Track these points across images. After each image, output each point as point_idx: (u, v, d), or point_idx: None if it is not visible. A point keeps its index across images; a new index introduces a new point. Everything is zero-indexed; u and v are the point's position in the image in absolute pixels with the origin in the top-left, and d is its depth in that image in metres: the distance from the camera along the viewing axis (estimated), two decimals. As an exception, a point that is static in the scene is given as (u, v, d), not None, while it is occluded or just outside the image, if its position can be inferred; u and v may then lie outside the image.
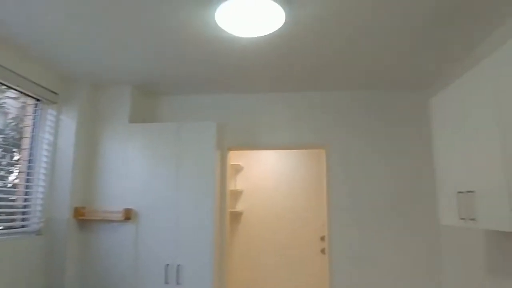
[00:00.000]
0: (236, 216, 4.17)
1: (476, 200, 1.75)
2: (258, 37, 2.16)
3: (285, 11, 1.87)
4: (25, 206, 2.53)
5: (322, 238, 3.99)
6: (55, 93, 2.74)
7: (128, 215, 2.73)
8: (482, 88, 1.71)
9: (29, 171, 2.58)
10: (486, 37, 2.18)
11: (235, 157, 4.23)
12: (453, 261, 2.67)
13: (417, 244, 2.88)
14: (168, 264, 2.63)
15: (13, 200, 2.47)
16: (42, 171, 2.65)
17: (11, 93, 2.45)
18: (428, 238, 2.88)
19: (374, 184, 3.02)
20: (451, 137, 2.03)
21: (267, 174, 4.27)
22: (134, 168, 2.82)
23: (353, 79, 2.89)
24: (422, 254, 2.86)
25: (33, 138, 2.64)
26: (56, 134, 2.76)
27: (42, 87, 2.60)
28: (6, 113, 2.48)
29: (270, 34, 2.12)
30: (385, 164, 3.03)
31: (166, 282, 2.61)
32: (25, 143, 2.60)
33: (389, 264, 2.86)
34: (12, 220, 2.42)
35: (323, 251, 3.97)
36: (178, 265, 2.61)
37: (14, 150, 2.52)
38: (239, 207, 4.20)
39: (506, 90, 1.52)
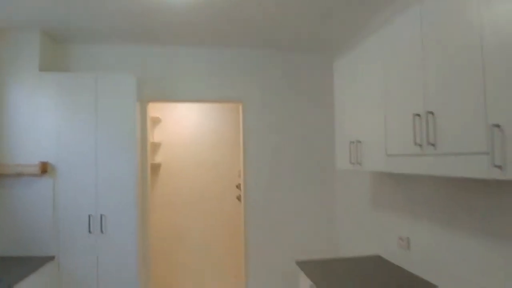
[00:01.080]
0: (155, 168, 4.28)
1: (362, 148, 2.19)
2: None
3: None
4: None
5: (238, 186, 4.35)
6: None
7: (45, 168, 2.68)
8: (373, 58, 2.07)
9: None
10: (388, 5, 2.47)
11: (153, 110, 4.24)
12: (346, 197, 3.23)
13: (320, 186, 3.39)
14: (90, 215, 2.70)
15: None
16: None
17: None
18: (328, 181, 3.41)
19: (284, 136, 3.40)
20: (348, 97, 2.43)
21: (185, 126, 4.40)
22: (48, 120, 2.72)
23: (268, 40, 3.12)
24: (324, 194, 3.38)
25: None
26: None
27: None
28: None
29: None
30: (294, 119, 3.42)
31: (90, 231, 2.70)
32: None
33: (295, 205, 3.33)
34: None
35: (238, 198, 4.35)
36: (102, 215, 2.71)
37: None
38: (158, 159, 4.30)
39: (390, 63, 1.90)
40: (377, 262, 2.50)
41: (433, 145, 1.50)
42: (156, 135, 4.33)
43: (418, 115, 1.59)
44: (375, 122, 2.03)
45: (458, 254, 1.80)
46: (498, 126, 1.17)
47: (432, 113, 1.50)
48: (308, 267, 2.38)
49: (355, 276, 2.20)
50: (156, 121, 4.34)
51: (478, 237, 1.67)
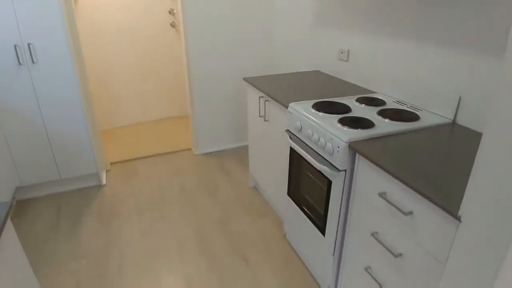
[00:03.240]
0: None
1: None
2: None
3: None
4: None
5: (170, 12, 4.04)
6: None
7: None
8: None
9: None
10: None
11: None
12: (286, 17, 3.22)
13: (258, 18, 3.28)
14: (16, 45, 2.40)
15: None
16: None
17: None
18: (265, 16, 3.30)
19: None
20: None
21: None
22: None
23: None
24: (264, 15, 3.31)
25: None
26: None
27: None
28: None
29: None
30: None
31: (20, 63, 2.46)
32: None
33: (234, 30, 3.25)
34: None
35: (172, 24, 4.10)
36: (29, 44, 2.42)
37: None
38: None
39: None
40: (317, 75, 2.71)
41: None
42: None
43: None
44: None
45: (395, 60, 2.00)
46: None
47: None
48: (255, 82, 2.52)
49: (300, 86, 2.40)
50: None
51: (413, 42, 1.85)
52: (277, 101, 2.10)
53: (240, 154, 3.56)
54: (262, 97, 2.38)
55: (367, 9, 2.15)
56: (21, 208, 2.79)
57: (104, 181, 3.09)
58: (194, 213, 2.67)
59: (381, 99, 1.97)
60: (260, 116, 2.49)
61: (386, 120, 1.65)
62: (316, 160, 1.66)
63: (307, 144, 1.78)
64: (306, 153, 1.73)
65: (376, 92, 2.18)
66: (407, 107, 1.85)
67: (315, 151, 1.70)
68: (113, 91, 4.19)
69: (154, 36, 4.11)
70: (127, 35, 4.00)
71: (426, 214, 1.12)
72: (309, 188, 1.85)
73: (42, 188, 2.92)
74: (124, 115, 4.34)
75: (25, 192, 2.89)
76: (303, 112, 1.81)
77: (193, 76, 3.27)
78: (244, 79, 2.63)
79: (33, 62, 2.48)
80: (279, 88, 2.31)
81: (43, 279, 2.09)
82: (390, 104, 1.90)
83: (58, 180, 2.92)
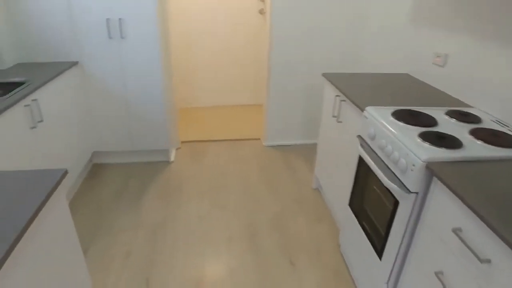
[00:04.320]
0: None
1: None
2: None
3: None
4: None
5: (259, -2, 3.99)
6: None
7: (49, -36, 2.39)
8: None
9: None
10: None
11: None
12: (378, 12, 2.95)
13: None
14: (108, 19, 2.55)
15: None
16: None
17: None
18: (361, -8, 3.05)
19: None
20: None
21: None
22: None
23: None
24: (350, 19, 3.08)
25: None
26: None
27: None
28: None
29: None
30: None
31: (110, 37, 2.61)
32: None
33: (324, 21, 3.07)
34: None
35: (261, 11, 4.05)
36: (120, 19, 2.56)
37: None
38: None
39: None
40: (405, 79, 2.44)
41: None
42: None
43: None
44: None
45: (503, 72, 1.68)
46: None
47: None
48: (334, 78, 2.35)
49: (383, 89, 2.17)
50: None
51: (534, 44, 1.52)
52: (353, 102, 1.92)
53: (308, 151, 3.42)
54: (339, 96, 2.21)
55: (482, 8, 1.84)
56: (95, 171, 3.01)
57: (172, 158, 3.20)
58: (251, 205, 2.62)
59: (476, 116, 1.68)
60: (333, 116, 2.32)
61: (479, 142, 1.39)
62: (385, 175, 1.47)
63: (378, 155, 1.59)
64: (375, 165, 1.54)
65: (472, 107, 1.87)
66: (509, 129, 1.54)
67: (386, 165, 1.51)
68: (195, 72, 4.31)
69: (241, 21, 4.10)
70: (214, 17, 4.05)
71: (509, 268, 0.90)
72: (373, 203, 1.67)
73: (115, 156, 3.12)
74: (203, 97, 4.45)
75: (101, 157, 3.11)
76: (380, 119, 1.61)
77: (273, 65, 3.19)
78: (323, 74, 2.47)
79: (121, 37, 2.61)
80: (359, 89, 2.12)
81: (97, 243, 2.22)
82: (487, 123, 1.61)
83: (131, 151, 3.09)
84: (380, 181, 1.57)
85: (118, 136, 2.97)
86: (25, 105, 1.95)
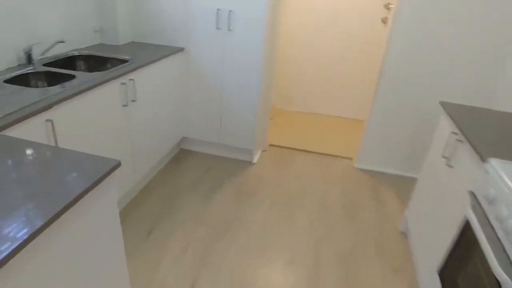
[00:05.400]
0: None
1: None
2: None
3: None
4: None
5: (386, 6, 3.61)
6: None
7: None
8: None
9: None
10: None
11: None
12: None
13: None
14: (219, 9, 2.52)
15: None
16: None
17: None
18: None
19: None
20: None
21: None
22: None
23: None
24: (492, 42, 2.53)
25: None
26: None
27: None
28: None
29: None
30: None
31: (218, 28, 2.58)
32: None
33: (454, 43, 2.60)
34: None
35: (383, 20, 3.67)
36: (230, 11, 2.50)
37: None
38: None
39: None
40: (556, 125, 1.89)
41: None
42: None
43: None
44: None
45: None
46: None
47: None
48: (454, 110, 1.93)
49: (521, 134, 1.69)
50: None
51: None
52: (473, 146, 1.52)
53: (404, 185, 2.98)
54: (455, 133, 1.80)
55: None
56: (181, 156, 3.06)
57: (255, 160, 3.09)
58: (324, 229, 2.35)
59: None
60: (443, 157, 1.91)
61: None
62: (498, 261, 1.09)
63: (493, 228, 1.21)
64: (485, 241, 1.17)
65: None
66: None
67: (502, 246, 1.13)
68: (298, 73, 4.13)
69: (359, 29, 3.78)
70: (330, 20, 3.80)
71: None
72: (471, 284, 1.28)
73: (202, 145, 3.13)
74: (301, 101, 4.26)
75: (189, 143, 3.15)
76: (507, 179, 1.22)
77: (384, 81, 2.83)
78: (440, 102, 2.06)
79: (228, 29, 2.56)
80: (485, 130, 1.69)
81: (159, 228, 2.21)
82: None
83: (217, 143, 3.06)
84: (488, 264, 1.19)
85: (207, 126, 2.97)
86: (122, 83, 2.00)
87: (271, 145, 3.40)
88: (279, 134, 3.64)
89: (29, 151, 1.10)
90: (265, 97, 2.96)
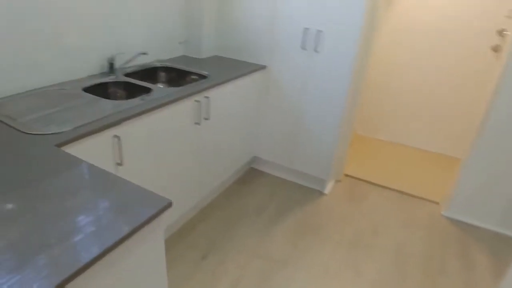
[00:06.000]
0: (393, -10, 3.42)
1: None
2: None
3: None
4: None
5: (500, 33, 3.12)
6: None
7: (269, -35, 2.34)
8: None
9: None
10: None
11: None
12: None
13: None
14: (306, 28, 2.35)
15: None
16: None
17: None
18: None
19: None
20: None
21: None
22: None
23: None
24: None
25: None
26: None
27: None
28: None
29: None
30: None
31: (303, 48, 2.42)
32: None
33: None
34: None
35: (495, 48, 3.17)
36: (318, 31, 2.32)
37: None
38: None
39: None
40: None
41: None
42: None
43: None
44: None
45: None
46: None
47: None
48: None
49: None
50: None
51: None
52: None
53: (503, 247, 2.48)
54: None
55: None
56: (248, 175, 2.95)
57: (327, 190, 2.84)
58: (392, 286, 2.04)
59: None
60: None
61: None
62: None
63: None
64: None
65: None
66: None
67: None
68: (386, 98, 3.78)
69: (463, 55, 3.32)
70: (429, 42, 3.41)
71: None
72: None
73: (272, 167, 2.98)
74: (386, 128, 3.89)
75: (258, 163, 3.03)
76: None
77: (492, 117, 2.39)
78: None
79: (315, 50, 2.38)
80: None
81: (210, 256, 2.09)
82: None
83: (287, 167, 2.89)
84: None
85: (280, 149, 2.81)
86: (196, 100, 1.94)
87: (346, 175, 3.13)
88: (357, 163, 3.34)
89: (80, 176, 1.05)
90: (347, 123, 2.71)
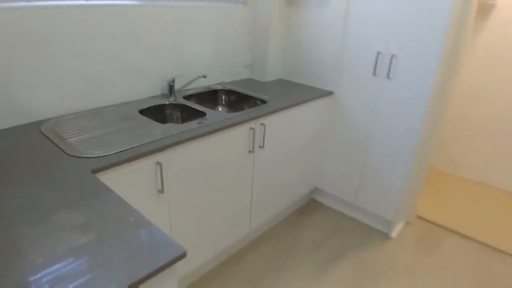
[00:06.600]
0: (484, 10, 3.01)
1: None
2: None
3: None
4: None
5: None
6: None
7: (341, -14, 2.18)
8: None
9: None
10: None
11: None
12: None
13: None
14: (379, 53, 2.13)
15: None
16: None
17: None
18: None
19: None
20: None
21: None
22: None
23: None
24: None
25: None
26: None
27: None
28: None
29: None
30: None
31: (375, 74, 2.19)
32: None
33: None
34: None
35: None
36: (392, 56, 2.09)
37: None
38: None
39: None
40: None
41: None
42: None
43: None
44: None
45: None
46: None
47: None
48: None
49: None
50: None
51: None
52: None
53: None
54: None
55: None
56: (308, 207, 2.75)
57: (394, 234, 2.52)
58: None
59: None
60: None
61: None
62: None
63: None
64: None
65: None
66: None
67: None
68: (471, 130, 3.30)
69: None
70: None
71: None
72: None
73: (333, 201, 2.74)
74: (470, 165, 3.39)
75: (320, 194, 2.81)
76: None
77: None
78: None
79: (387, 77, 2.14)
80: None
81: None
82: None
83: (350, 203, 2.63)
84: None
85: (344, 182, 2.57)
86: (250, 128, 1.84)
87: (419, 217, 2.76)
88: (432, 203, 2.94)
89: (98, 209, 0.99)
90: (421, 158, 2.39)
